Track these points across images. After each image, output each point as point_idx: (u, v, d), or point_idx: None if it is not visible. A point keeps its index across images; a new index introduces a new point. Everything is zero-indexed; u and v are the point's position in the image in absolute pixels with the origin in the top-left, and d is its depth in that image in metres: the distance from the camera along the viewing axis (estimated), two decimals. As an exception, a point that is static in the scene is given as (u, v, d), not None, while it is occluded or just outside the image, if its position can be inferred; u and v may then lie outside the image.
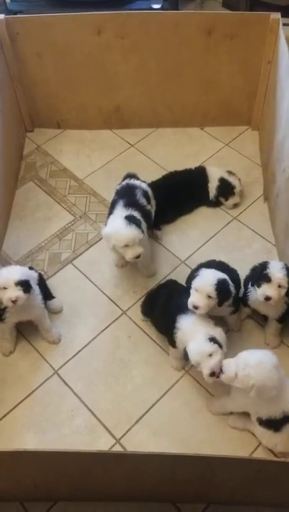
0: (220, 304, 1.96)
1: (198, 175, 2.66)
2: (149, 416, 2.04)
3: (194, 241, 2.56)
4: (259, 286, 1.97)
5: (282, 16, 2.56)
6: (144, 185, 2.35)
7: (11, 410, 2.07)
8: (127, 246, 2.09)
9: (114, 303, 2.36)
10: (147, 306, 2.23)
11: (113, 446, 1.97)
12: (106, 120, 3.03)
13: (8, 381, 2.15)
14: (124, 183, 2.35)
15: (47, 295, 2.26)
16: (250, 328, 2.27)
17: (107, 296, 2.38)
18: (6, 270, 2.01)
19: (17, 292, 1.95)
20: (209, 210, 2.69)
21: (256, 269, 2.05)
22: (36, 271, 2.20)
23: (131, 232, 2.07)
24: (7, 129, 2.72)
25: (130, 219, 2.11)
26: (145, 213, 2.26)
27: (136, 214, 2.18)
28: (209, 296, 1.92)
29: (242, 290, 2.17)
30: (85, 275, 2.45)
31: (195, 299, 1.94)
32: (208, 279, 1.95)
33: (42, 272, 2.42)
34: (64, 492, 1.82)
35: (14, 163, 2.85)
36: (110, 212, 2.26)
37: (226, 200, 2.65)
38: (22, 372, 2.17)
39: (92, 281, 2.43)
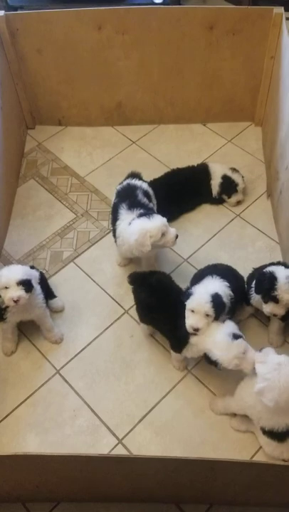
0: (217, 318, 1.90)
1: (201, 172, 2.64)
2: (151, 416, 2.03)
3: (197, 239, 2.54)
4: (266, 302, 1.95)
5: (285, 10, 2.53)
6: (145, 185, 2.31)
7: (13, 410, 2.06)
8: (163, 235, 2.03)
9: (117, 302, 2.34)
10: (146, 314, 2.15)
11: (115, 446, 1.96)
12: (107, 117, 3.00)
13: (10, 381, 2.14)
14: (124, 183, 2.31)
15: (48, 294, 2.25)
16: (253, 327, 2.25)
17: (109, 295, 2.36)
18: (7, 269, 2.00)
19: (19, 292, 1.94)
20: (212, 208, 2.67)
21: (263, 278, 1.96)
22: (38, 270, 2.18)
23: (159, 221, 2.03)
24: (8, 127, 2.70)
25: (146, 214, 2.08)
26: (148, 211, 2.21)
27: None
28: (207, 315, 1.85)
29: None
30: (86, 274, 2.44)
31: (194, 321, 1.86)
32: (202, 298, 1.87)
33: (43, 271, 2.41)
34: (66, 493, 1.81)
35: (15, 160, 2.84)
36: (115, 217, 2.21)
37: (229, 197, 2.63)
38: (24, 371, 2.17)
39: (94, 280, 2.42)
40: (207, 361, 1.88)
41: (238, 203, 2.65)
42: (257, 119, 2.97)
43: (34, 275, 2.07)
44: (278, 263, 2.18)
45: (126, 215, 2.16)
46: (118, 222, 2.18)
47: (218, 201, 2.66)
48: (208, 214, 2.64)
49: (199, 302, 1.86)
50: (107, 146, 2.96)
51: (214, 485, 1.65)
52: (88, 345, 2.23)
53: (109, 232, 2.58)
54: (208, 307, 1.85)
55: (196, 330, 1.86)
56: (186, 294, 1.92)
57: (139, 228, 2.03)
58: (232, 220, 2.62)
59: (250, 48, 2.66)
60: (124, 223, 2.15)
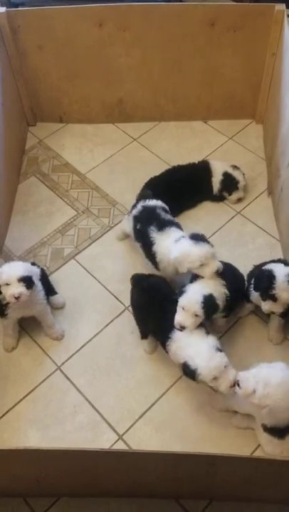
0: (207, 318, 1.91)
1: (202, 169, 2.64)
2: (151, 412, 2.04)
3: (197, 236, 2.54)
4: (264, 299, 1.96)
5: (287, 7, 2.53)
6: (160, 203, 2.28)
7: (14, 406, 2.07)
8: (202, 265, 1.96)
9: (117, 298, 2.35)
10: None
11: (116, 442, 1.97)
12: (108, 114, 3.00)
13: (11, 377, 2.15)
14: (139, 206, 2.26)
15: (49, 291, 2.26)
16: (252, 324, 2.26)
17: (110, 292, 2.37)
18: (8, 266, 2.01)
19: (20, 288, 1.95)
20: (213, 205, 2.67)
21: (261, 276, 1.97)
22: (38, 266, 2.19)
23: (202, 250, 1.96)
24: (9, 123, 2.70)
25: (196, 237, 2.02)
26: (178, 226, 2.19)
27: (175, 231, 2.12)
28: (196, 315, 1.86)
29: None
30: (87, 271, 2.45)
31: (182, 318, 1.87)
32: (194, 298, 1.88)
33: (44, 268, 2.41)
34: (66, 488, 1.82)
35: (16, 157, 2.84)
36: (149, 243, 2.16)
37: (230, 194, 2.63)
38: (25, 368, 2.17)
39: (94, 277, 2.42)
40: (184, 372, 1.86)
41: (239, 200, 2.66)
42: (258, 116, 2.97)
43: (35, 272, 2.07)
44: (278, 260, 2.19)
45: (160, 237, 2.13)
46: (155, 247, 2.14)
47: (219, 198, 2.66)
48: (208, 211, 2.64)
49: (190, 301, 1.88)
50: (107, 143, 2.96)
51: (214, 480, 1.66)
52: (89, 341, 2.23)
53: (109, 230, 2.59)
54: (197, 307, 1.86)
55: (183, 328, 1.87)
56: (180, 291, 1.94)
57: (183, 249, 2.00)
58: (233, 217, 2.62)
59: (252, 45, 2.65)
60: (163, 244, 2.11)
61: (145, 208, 2.25)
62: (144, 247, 2.23)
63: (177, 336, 1.91)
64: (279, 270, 1.94)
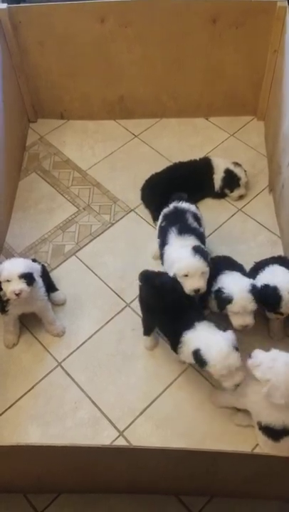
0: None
1: (204, 166, 2.63)
2: (152, 409, 2.04)
3: (198, 233, 2.54)
4: (269, 311, 2.02)
5: (289, 4, 2.52)
6: (194, 208, 2.24)
7: (14, 402, 2.07)
8: (186, 276, 1.95)
9: (118, 295, 2.35)
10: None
11: (116, 438, 1.97)
12: (110, 110, 3.00)
13: (11, 373, 2.15)
14: (172, 206, 2.22)
15: (50, 287, 2.25)
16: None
17: (111, 289, 2.37)
18: (9, 263, 2.01)
19: (21, 285, 1.95)
20: (214, 202, 2.66)
21: (267, 294, 1.97)
22: (39, 263, 2.18)
23: (193, 262, 1.95)
24: (10, 120, 2.70)
25: (198, 250, 1.99)
26: (200, 237, 2.14)
27: (192, 240, 2.08)
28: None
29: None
30: (88, 267, 2.44)
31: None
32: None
33: (45, 264, 2.41)
34: (67, 484, 1.82)
35: (17, 154, 2.83)
36: (164, 241, 2.14)
37: (232, 191, 2.62)
38: (26, 364, 2.17)
39: (95, 274, 2.42)
40: (195, 358, 1.83)
41: (241, 197, 2.65)
42: (259, 113, 2.96)
43: (36, 268, 2.07)
44: (279, 257, 2.19)
45: (175, 240, 2.09)
46: (166, 247, 2.11)
47: (220, 195, 2.65)
48: (209, 208, 2.64)
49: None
50: (109, 139, 2.95)
51: (215, 477, 1.66)
52: (90, 338, 2.23)
53: (110, 226, 2.59)
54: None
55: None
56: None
57: (177, 255, 2.00)
58: (233, 214, 2.62)
59: (253, 42, 2.64)
60: (172, 248, 2.08)
61: (176, 209, 2.20)
62: (160, 245, 2.19)
63: (190, 336, 1.87)
64: (283, 286, 1.96)
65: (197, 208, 2.27)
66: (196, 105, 2.96)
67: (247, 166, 2.68)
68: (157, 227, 2.27)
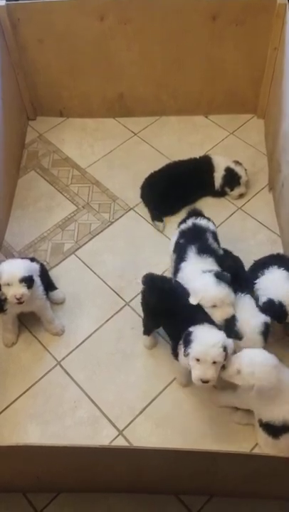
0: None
1: (204, 164, 2.62)
2: (152, 407, 2.03)
3: (198, 231, 2.53)
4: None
5: (288, 1, 2.50)
6: (212, 226, 2.19)
7: (13, 401, 2.07)
8: (215, 306, 1.88)
9: (117, 294, 2.34)
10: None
11: (116, 437, 1.97)
12: (109, 108, 2.99)
13: (10, 372, 2.14)
14: (190, 223, 2.16)
15: (49, 286, 2.25)
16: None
17: (110, 288, 2.36)
18: (8, 265, 1.99)
19: (22, 289, 1.94)
20: (214, 200, 2.65)
21: (272, 308, 1.94)
22: (38, 262, 2.17)
23: (220, 293, 1.87)
24: (9, 117, 2.68)
25: (221, 277, 1.91)
26: (218, 259, 2.09)
27: (210, 261, 2.03)
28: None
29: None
30: (87, 266, 2.44)
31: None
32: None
33: (44, 263, 2.40)
34: (67, 484, 1.82)
35: (16, 151, 2.82)
36: (180, 258, 2.08)
37: (232, 190, 2.61)
38: (25, 363, 2.17)
39: (94, 272, 2.41)
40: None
41: (241, 195, 2.64)
42: (259, 111, 2.95)
43: (35, 269, 2.06)
44: (277, 254, 2.18)
45: (194, 259, 2.04)
46: (184, 264, 2.05)
47: (220, 194, 2.65)
48: (209, 207, 2.63)
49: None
50: (108, 137, 2.94)
51: (214, 477, 1.65)
52: (89, 336, 2.23)
53: (110, 225, 2.58)
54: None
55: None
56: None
57: (203, 284, 1.90)
58: (233, 212, 2.61)
59: (253, 39, 2.63)
60: (191, 267, 2.02)
61: (195, 226, 2.15)
62: (176, 260, 2.13)
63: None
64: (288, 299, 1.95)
65: (214, 224, 2.22)
66: (196, 103, 2.95)
67: (247, 165, 2.67)
68: (172, 242, 2.21)
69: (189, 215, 2.23)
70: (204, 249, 2.06)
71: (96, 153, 2.88)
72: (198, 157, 2.65)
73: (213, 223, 2.23)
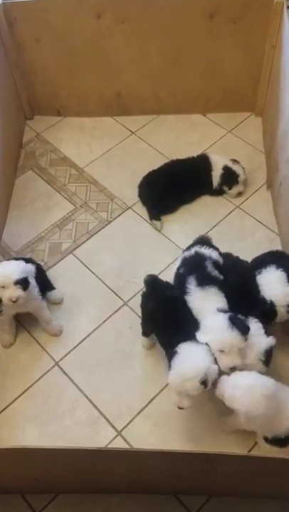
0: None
1: (202, 163, 2.61)
2: (150, 408, 2.03)
3: (196, 230, 2.50)
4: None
5: (286, -1, 2.49)
6: (215, 254, 2.07)
7: (11, 402, 2.06)
8: (222, 351, 1.78)
9: (116, 293, 2.33)
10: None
11: (114, 438, 1.96)
12: (107, 107, 2.97)
13: (9, 373, 2.13)
14: (192, 251, 2.07)
15: (47, 286, 2.24)
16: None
17: (108, 287, 2.35)
18: (2, 267, 1.97)
19: (17, 292, 1.93)
20: (212, 199, 2.65)
21: (264, 307, 1.93)
22: (34, 262, 2.17)
23: (231, 338, 1.75)
24: (6, 117, 2.67)
25: (235, 322, 1.79)
26: (220, 285, 1.99)
27: (213, 291, 1.94)
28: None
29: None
30: (85, 265, 2.43)
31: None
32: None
33: (42, 263, 2.40)
34: (65, 485, 1.82)
35: (13, 151, 2.81)
36: (183, 290, 1.98)
37: (230, 188, 2.60)
38: (23, 363, 2.16)
39: (92, 272, 2.40)
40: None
41: (239, 194, 2.63)
42: (257, 109, 2.94)
43: (30, 270, 2.03)
44: (276, 252, 2.17)
45: (195, 292, 1.94)
46: (188, 298, 1.96)
47: (218, 192, 2.64)
48: (207, 205, 2.62)
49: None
50: (106, 136, 2.93)
51: (213, 478, 1.65)
52: (87, 336, 2.22)
53: (108, 224, 2.57)
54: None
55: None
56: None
57: (215, 326, 1.81)
58: (231, 211, 2.60)
59: (251, 37, 2.62)
60: (197, 302, 1.93)
61: (196, 255, 2.05)
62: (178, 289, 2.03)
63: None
64: (280, 300, 1.93)
65: (219, 253, 2.11)
66: (194, 101, 2.94)
67: (245, 163, 2.67)
68: (174, 271, 2.10)
69: (196, 242, 2.13)
70: (204, 279, 1.96)
71: (94, 152, 2.87)
72: (196, 156, 2.64)
73: (219, 252, 2.11)
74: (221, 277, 2.01)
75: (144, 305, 2.04)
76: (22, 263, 2.03)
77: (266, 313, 1.94)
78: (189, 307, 1.95)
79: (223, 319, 1.79)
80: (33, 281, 2.05)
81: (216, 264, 2.04)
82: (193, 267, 2.00)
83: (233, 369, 1.76)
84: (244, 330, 1.78)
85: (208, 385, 1.70)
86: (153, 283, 2.01)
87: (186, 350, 1.76)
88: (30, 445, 1.83)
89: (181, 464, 1.55)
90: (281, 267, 2.02)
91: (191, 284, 1.96)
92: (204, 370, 1.69)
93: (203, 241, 2.13)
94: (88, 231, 2.55)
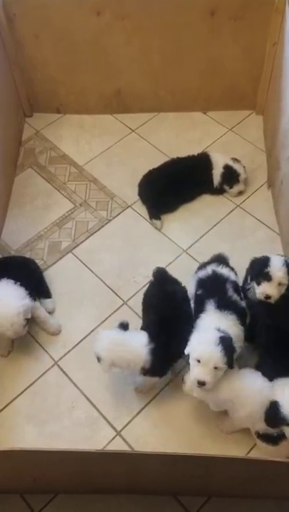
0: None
1: (202, 161, 2.60)
2: (149, 408, 2.02)
3: (196, 229, 2.52)
4: (258, 283, 1.88)
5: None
6: (234, 276, 2.02)
7: (10, 402, 2.05)
8: (198, 362, 1.72)
9: (115, 293, 2.32)
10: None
11: (114, 438, 1.96)
12: (106, 104, 2.96)
13: (8, 372, 2.13)
14: (209, 270, 2.00)
15: (43, 293, 2.22)
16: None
17: (108, 286, 2.34)
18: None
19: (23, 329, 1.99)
20: (212, 198, 2.63)
21: (256, 263, 1.93)
22: (32, 264, 2.16)
23: (211, 352, 1.70)
24: (5, 114, 2.66)
25: (225, 342, 1.72)
26: (241, 313, 1.92)
27: (232, 318, 1.87)
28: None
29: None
30: (85, 264, 2.42)
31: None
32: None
33: (41, 262, 2.39)
34: (64, 486, 1.81)
35: (13, 149, 2.79)
36: (198, 309, 1.93)
37: (231, 187, 2.59)
38: (22, 363, 2.15)
39: (92, 271, 2.39)
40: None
41: (240, 193, 2.62)
42: (258, 107, 2.93)
43: (28, 306, 2.01)
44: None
45: (213, 314, 1.87)
46: (202, 316, 1.90)
47: (219, 191, 2.62)
48: (208, 204, 2.61)
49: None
50: (106, 134, 2.92)
51: (212, 479, 1.65)
52: (86, 336, 2.21)
53: (107, 223, 2.56)
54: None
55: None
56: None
57: (201, 335, 1.78)
58: (232, 210, 2.59)
59: (252, 35, 2.60)
60: (209, 322, 1.86)
61: (215, 275, 1.98)
62: (194, 310, 1.99)
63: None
64: (274, 255, 1.92)
65: (235, 273, 2.06)
66: (194, 99, 2.92)
67: (245, 161, 2.65)
68: (192, 292, 2.03)
69: (212, 260, 2.07)
70: (227, 304, 1.88)
71: (93, 150, 2.86)
72: (196, 154, 2.63)
73: (235, 273, 2.06)
74: (242, 303, 1.96)
75: (145, 293, 2.05)
76: (19, 304, 1.97)
77: (257, 263, 1.93)
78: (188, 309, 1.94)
79: (214, 334, 1.75)
80: (29, 302, 2.02)
81: (235, 286, 1.99)
82: (213, 290, 1.93)
83: (201, 384, 1.71)
84: (228, 352, 1.72)
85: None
86: (159, 274, 2.01)
87: None
88: (28, 447, 1.82)
89: (181, 466, 1.55)
90: None
91: (210, 305, 1.89)
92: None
93: (220, 259, 2.07)
94: (88, 230, 2.54)
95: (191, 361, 1.74)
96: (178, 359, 1.93)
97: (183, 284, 2.06)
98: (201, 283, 1.99)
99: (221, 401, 1.79)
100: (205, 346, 1.71)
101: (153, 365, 1.84)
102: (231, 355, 1.73)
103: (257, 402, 1.74)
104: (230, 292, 1.93)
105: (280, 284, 1.86)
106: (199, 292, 1.96)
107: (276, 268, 1.86)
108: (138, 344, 1.83)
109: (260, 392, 1.75)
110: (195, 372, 1.72)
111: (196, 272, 2.09)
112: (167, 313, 1.92)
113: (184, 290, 2.02)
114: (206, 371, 1.70)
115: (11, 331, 1.95)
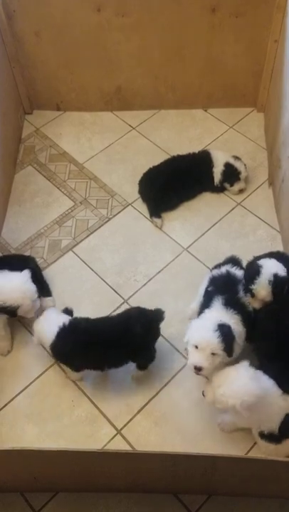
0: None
1: (203, 159, 2.59)
2: (150, 406, 2.02)
3: (197, 228, 2.51)
4: (245, 293, 1.89)
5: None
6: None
7: (11, 400, 2.05)
8: (196, 348, 1.74)
9: (115, 291, 2.32)
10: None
11: (114, 436, 1.96)
12: (107, 102, 2.95)
13: (8, 371, 2.12)
14: (223, 270, 1.99)
15: (43, 291, 2.20)
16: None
17: (108, 285, 2.34)
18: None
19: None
20: (213, 196, 2.63)
21: (248, 269, 1.91)
22: (32, 263, 2.15)
23: (208, 337, 1.72)
24: (5, 111, 2.64)
25: (222, 329, 1.74)
26: (246, 316, 1.90)
27: (237, 318, 1.85)
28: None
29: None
30: (85, 263, 2.41)
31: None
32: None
33: (41, 260, 2.38)
34: (65, 484, 1.81)
35: (12, 146, 2.79)
36: (206, 304, 1.92)
37: (231, 185, 2.58)
38: (22, 361, 2.15)
39: (92, 269, 2.39)
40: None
41: (241, 191, 2.61)
42: (259, 104, 2.92)
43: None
44: (277, 252, 2.15)
45: (219, 310, 1.86)
46: (207, 310, 1.89)
47: (220, 189, 2.62)
48: (208, 202, 2.60)
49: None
50: (106, 131, 2.91)
51: (213, 478, 1.64)
52: (87, 335, 2.21)
53: (108, 221, 2.55)
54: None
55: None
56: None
57: (199, 322, 1.82)
58: (233, 208, 2.58)
59: (254, 32, 2.59)
60: (213, 317, 1.83)
61: (228, 275, 1.97)
62: (202, 304, 1.99)
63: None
64: (267, 268, 1.87)
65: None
66: (195, 96, 2.91)
67: (246, 159, 2.64)
68: (202, 288, 2.03)
69: (226, 262, 2.06)
70: (233, 303, 1.88)
71: (94, 147, 2.85)
72: (197, 152, 2.62)
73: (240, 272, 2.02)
74: (250, 307, 1.93)
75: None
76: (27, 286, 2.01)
77: (248, 273, 1.91)
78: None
79: (213, 321, 1.77)
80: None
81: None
82: (224, 288, 1.92)
83: (198, 369, 1.73)
84: (226, 339, 1.73)
85: None
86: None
87: None
88: (29, 446, 1.82)
89: (181, 465, 1.55)
90: (279, 262, 1.94)
91: (218, 302, 1.88)
92: None
93: (234, 261, 2.06)
94: (88, 228, 2.53)
95: (189, 347, 1.76)
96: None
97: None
98: (214, 280, 1.99)
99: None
100: (202, 332, 1.74)
101: None
102: (229, 343, 1.74)
103: (275, 408, 1.71)
104: (241, 294, 1.92)
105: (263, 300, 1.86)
106: (210, 289, 1.97)
107: (261, 286, 1.82)
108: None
109: (279, 397, 1.71)
110: (192, 358, 1.73)
111: (210, 271, 2.09)
112: None
113: None
114: (204, 357, 1.71)
115: (23, 303, 1.97)
